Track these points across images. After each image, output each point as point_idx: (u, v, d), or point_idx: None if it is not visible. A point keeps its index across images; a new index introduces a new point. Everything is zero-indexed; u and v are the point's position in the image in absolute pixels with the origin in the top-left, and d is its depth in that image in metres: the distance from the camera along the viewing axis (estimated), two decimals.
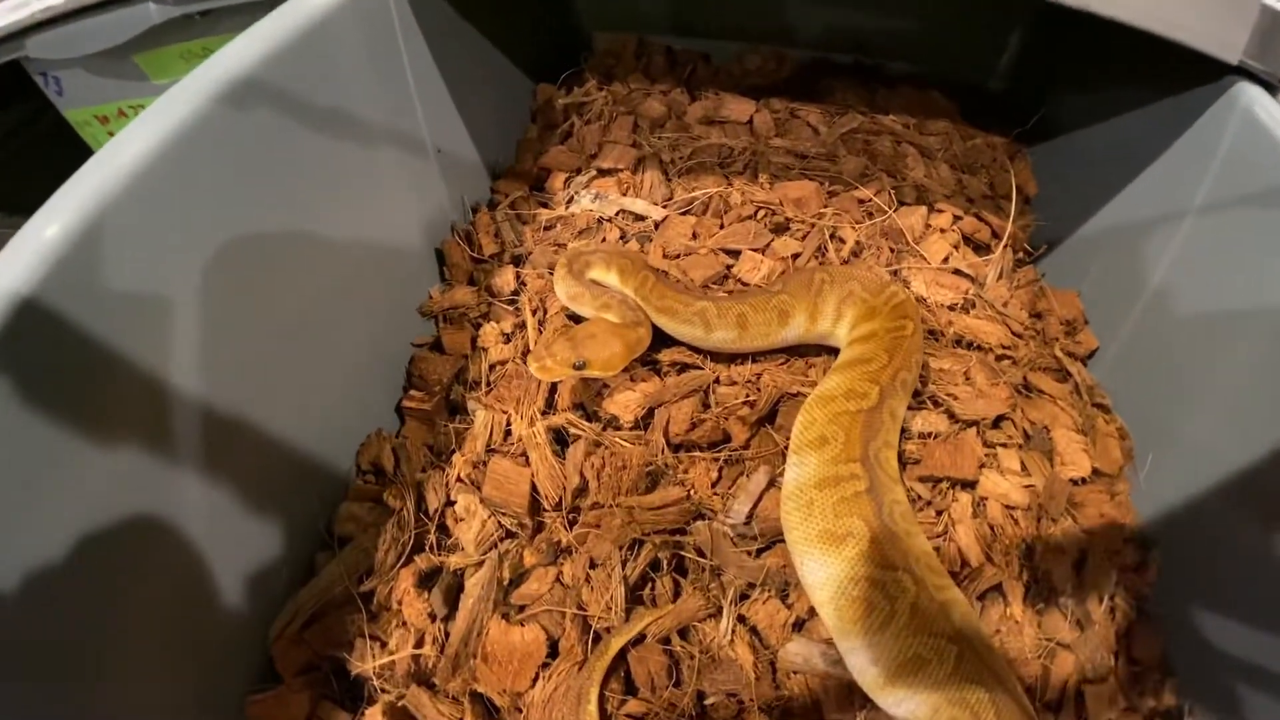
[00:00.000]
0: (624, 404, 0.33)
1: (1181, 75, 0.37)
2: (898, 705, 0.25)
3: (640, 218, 0.41)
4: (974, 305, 0.38)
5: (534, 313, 0.38)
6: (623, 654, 0.28)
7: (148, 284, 0.24)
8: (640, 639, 0.28)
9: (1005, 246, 0.42)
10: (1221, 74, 0.35)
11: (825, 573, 0.26)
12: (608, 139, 0.45)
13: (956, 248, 0.40)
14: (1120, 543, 0.33)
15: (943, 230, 0.40)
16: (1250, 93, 0.34)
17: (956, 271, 0.39)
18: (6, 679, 0.21)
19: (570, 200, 0.43)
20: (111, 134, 0.63)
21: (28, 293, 0.21)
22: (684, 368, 0.35)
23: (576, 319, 0.37)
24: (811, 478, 0.27)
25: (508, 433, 0.35)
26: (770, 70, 0.51)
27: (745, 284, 0.37)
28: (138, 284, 0.24)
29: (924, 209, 0.41)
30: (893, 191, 0.41)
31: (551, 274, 0.40)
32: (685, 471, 0.31)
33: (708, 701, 0.29)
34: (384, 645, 0.29)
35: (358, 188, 0.33)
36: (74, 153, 0.65)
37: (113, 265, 0.23)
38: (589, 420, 0.34)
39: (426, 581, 0.29)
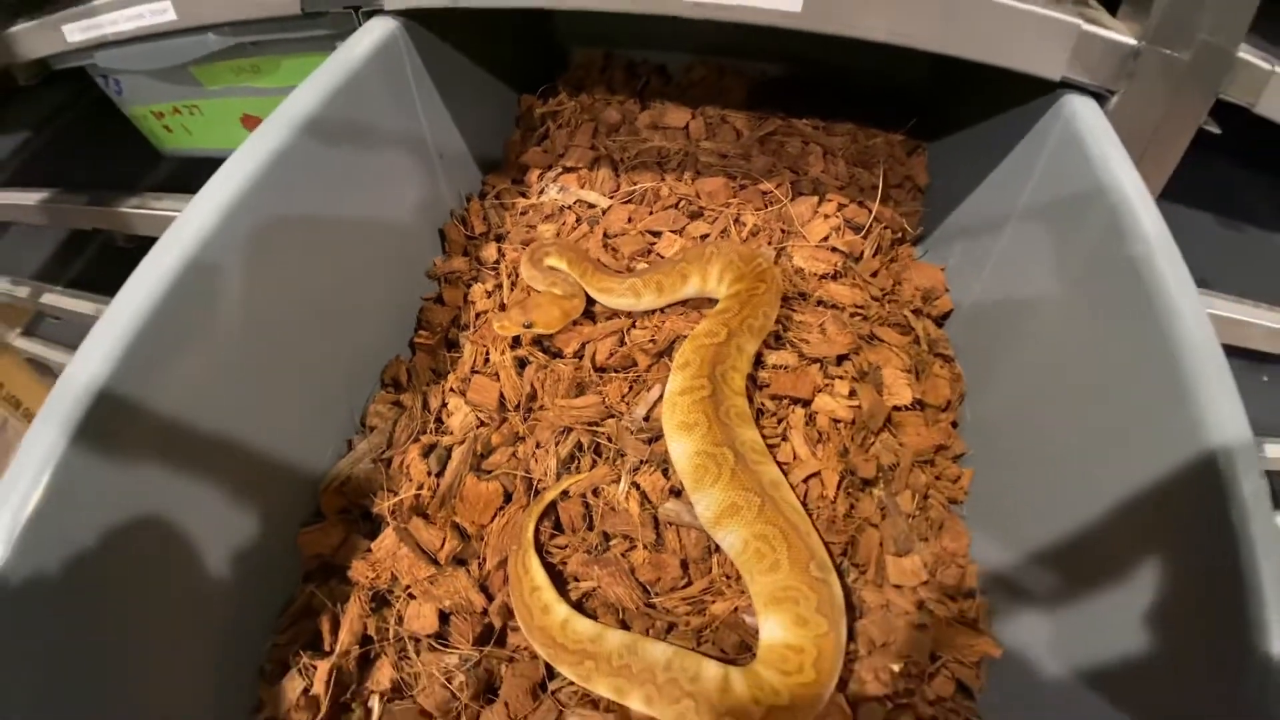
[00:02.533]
0: (567, 341, 0.48)
1: (1030, 85, 0.46)
2: (724, 538, 0.40)
3: (592, 206, 0.55)
4: (843, 275, 0.51)
5: (509, 276, 0.53)
6: (553, 504, 0.43)
7: (247, 265, 0.38)
8: (566, 495, 0.43)
9: (882, 228, 0.54)
10: (1054, 87, 0.44)
11: (681, 449, 0.41)
12: (573, 142, 0.59)
13: (837, 230, 0.52)
14: (932, 454, 0.46)
15: (827, 216, 0.53)
16: (1074, 104, 0.43)
17: (833, 249, 0.51)
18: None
19: (542, 191, 0.57)
20: (167, 127, 0.76)
21: (156, 307, 0.33)
22: (611, 316, 0.49)
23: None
24: (677, 388, 0.42)
25: (486, 360, 0.50)
26: (712, 81, 0.63)
27: (662, 256, 0.51)
28: (240, 269, 0.37)
29: (815, 199, 0.54)
30: (791, 184, 0.54)
31: (524, 248, 0.54)
32: (604, 386, 0.46)
33: (611, 541, 0.43)
34: (395, 493, 0.44)
35: (382, 186, 0.48)
36: (115, 132, 0.78)
37: (227, 259, 0.37)
38: (543, 352, 0.49)
39: (426, 452, 0.45)
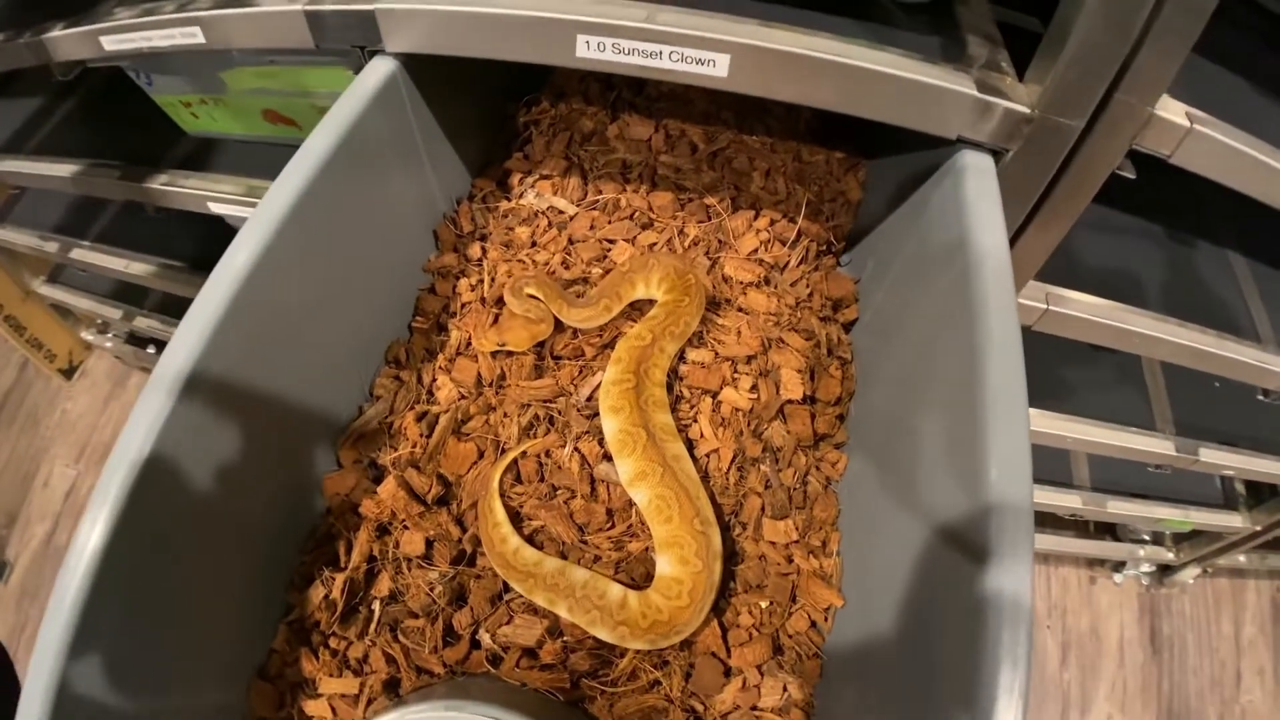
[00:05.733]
0: None
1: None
2: (636, 496, 0.57)
3: (561, 212, 0.72)
4: (764, 284, 0.67)
5: (490, 273, 0.71)
6: (515, 462, 0.62)
7: (286, 269, 0.55)
8: (524, 454, 0.62)
9: (808, 241, 0.70)
10: (954, 142, 0.55)
11: (608, 426, 0.59)
12: (550, 151, 0.75)
13: (766, 244, 0.69)
14: (815, 441, 0.64)
15: (758, 230, 0.69)
16: (967, 158, 0.54)
17: (759, 261, 0.68)
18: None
19: (521, 195, 0.74)
20: (194, 114, 0.93)
21: (226, 307, 0.48)
22: None
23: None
24: (609, 379, 0.59)
25: (468, 344, 0.68)
26: (679, 94, 0.78)
27: (615, 262, 0.68)
28: (281, 272, 0.55)
29: (751, 213, 0.70)
30: (732, 199, 0.70)
31: (503, 247, 0.72)
32: (558, 371, 0.64)
33: (557, 491, 0.62)
34: (395, 449, 0.64)
35: (387, 198, 0.64)
36: (130, 105, 0.95)
37: (274, 264, 0.54)
38: None
39: (420, 418, 0.63)
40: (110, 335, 1.70)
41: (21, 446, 1.78)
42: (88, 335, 1.74)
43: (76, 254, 1.26)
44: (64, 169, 1.04)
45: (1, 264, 1.50)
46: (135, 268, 1.22)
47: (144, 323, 1.47)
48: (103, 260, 1.23)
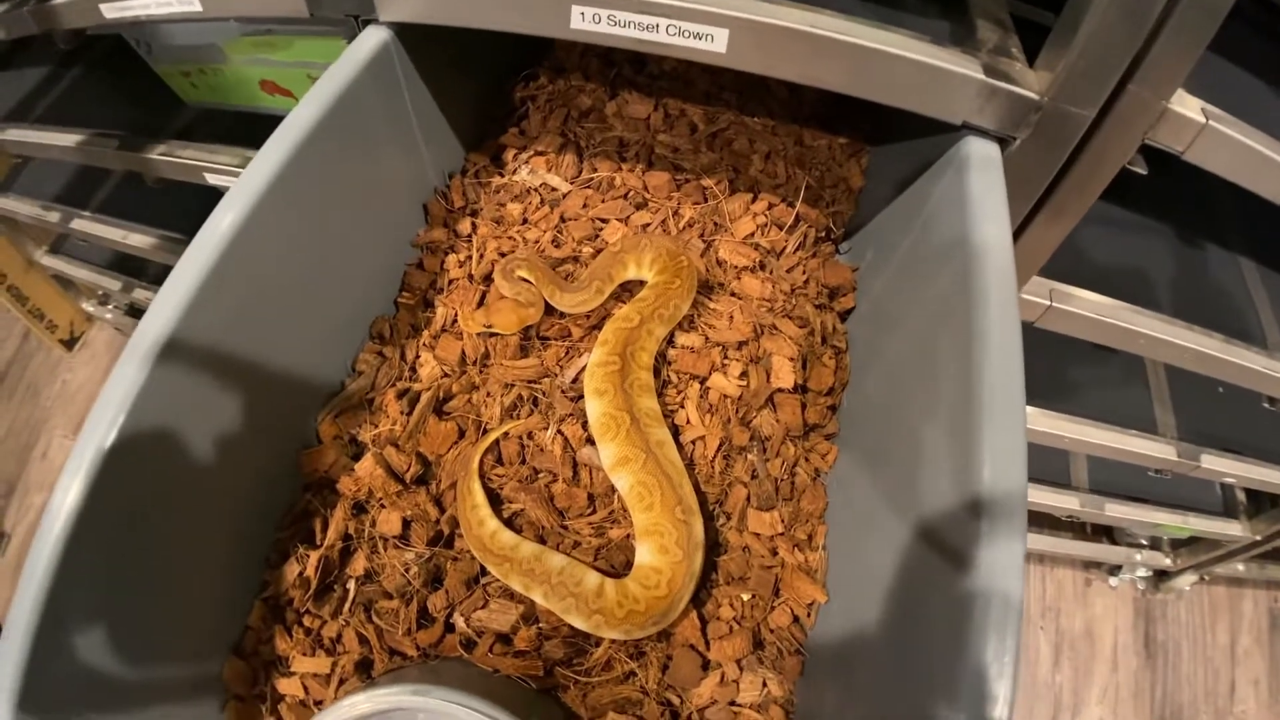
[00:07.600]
0: None
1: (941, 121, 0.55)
2: (617, 481, 0.55)
3: (554, 189, 0.70)
4: (760, 269, 0.65)
5: (478, 249, 0.69)
6: (496, 442, 0.60)
7: (271, 238, 0.54)
8: (506, 435, 0.60)
9: (806, 228, 0.68)
10: (960, 128, 0.53)
11: (592, 409, 0.57)
12: (546, 127, 0.73)
13: (763, 228, 0.66)
14: (805, 432, 0.62)
15: (755, 214, 0.66)
16: (972, 145, 0.52)
17: (755, 246, 0.66)
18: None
19: (515, 171, 0.72)
20: (193, 84, 0.92)
21: (206, 274, 0.48)
22: None
23: None
24: (595, 361, 0.57)
25: (454, 321, 0.66)
26: (680, 71, 0.76)
27: (606, 242, 0.66)
28: (265, 241, 0.53)
29: (749, 196, 0.67)
30: (730, 181, 0.68)
31: (494, 223, 0.70)
32: (543, 351, 0.62)
33: (538, 474, 0.61)
34: (375, 426, 0.62)
35: (375, 169, 0.62)
36: (133, 75, 0.93)
37: (258, 232, 0.53)
38: None
39: (401, 396, 0.62)
40: (111, 307, 1.69)
41: (22, 417, 1.78)
42: (89, 307, 1.73)
43: (77, 224, 1.25)
44: (66, 138, 1.03)
45: (5, 234, 1.49)
46: (134, 239, 1.20)
47: (143, 295, 1.46)
48: (102, 231, 1.22)
